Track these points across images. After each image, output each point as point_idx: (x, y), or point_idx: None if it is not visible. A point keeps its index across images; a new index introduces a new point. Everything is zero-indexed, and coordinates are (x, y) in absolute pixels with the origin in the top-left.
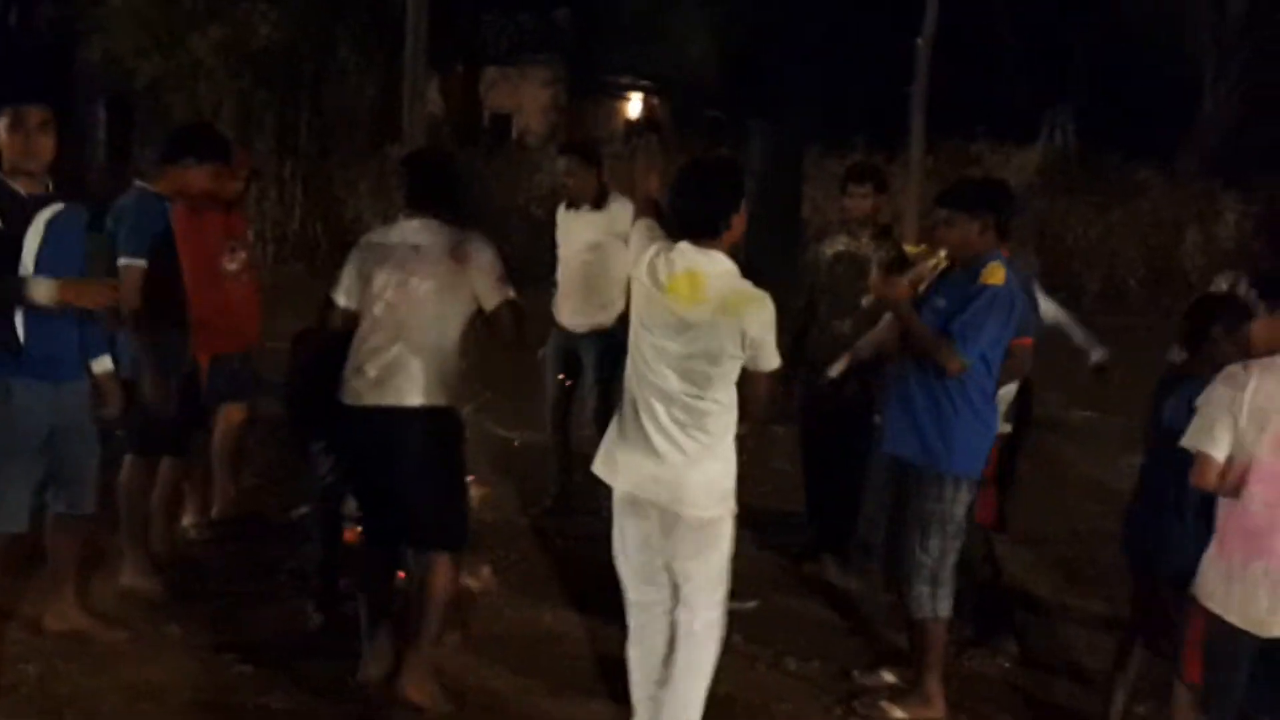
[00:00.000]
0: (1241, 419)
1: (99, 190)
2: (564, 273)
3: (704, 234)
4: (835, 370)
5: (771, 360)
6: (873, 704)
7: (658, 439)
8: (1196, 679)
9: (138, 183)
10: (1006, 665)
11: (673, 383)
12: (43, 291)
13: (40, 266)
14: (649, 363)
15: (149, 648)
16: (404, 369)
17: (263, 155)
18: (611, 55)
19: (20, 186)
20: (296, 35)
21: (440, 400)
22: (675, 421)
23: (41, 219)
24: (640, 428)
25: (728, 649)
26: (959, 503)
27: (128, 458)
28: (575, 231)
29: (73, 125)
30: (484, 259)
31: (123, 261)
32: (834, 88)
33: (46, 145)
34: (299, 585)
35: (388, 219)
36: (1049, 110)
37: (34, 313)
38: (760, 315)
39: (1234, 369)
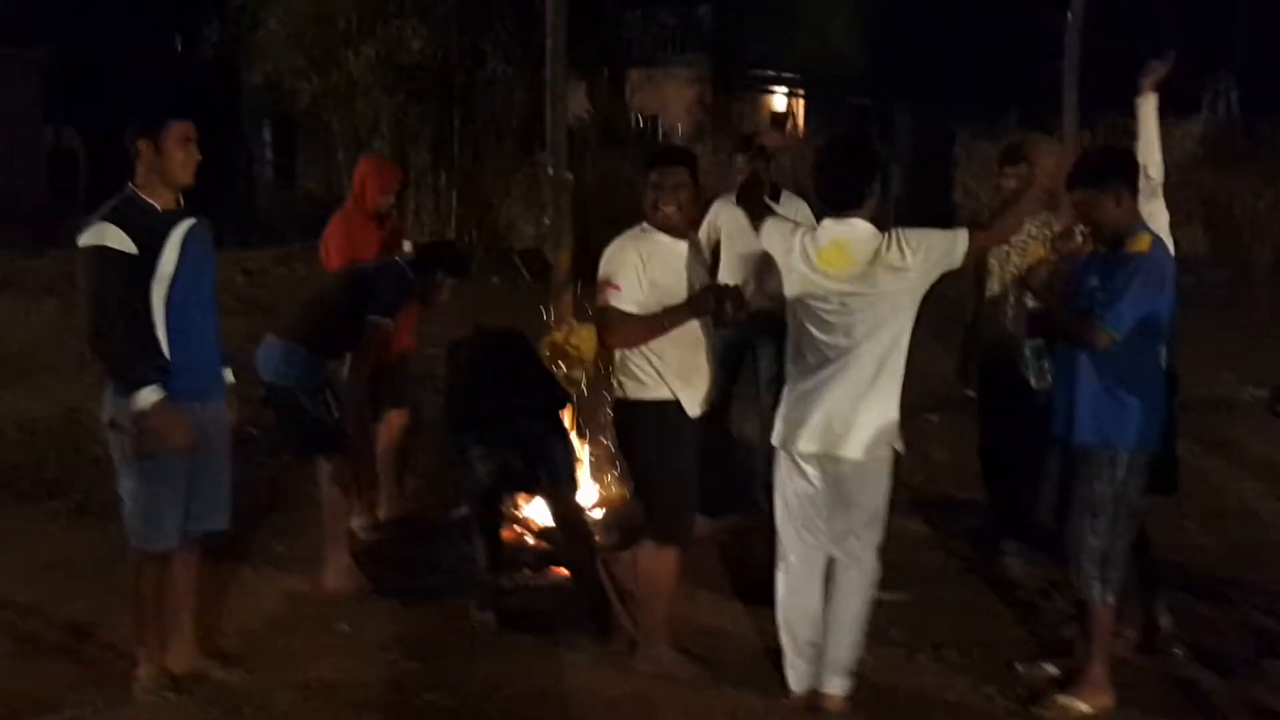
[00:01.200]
0: None
1: (268, 209)
2: None
3: (846, 205)
4: (1035, 382)
5: (953, 236)
6: (1052, 701)
7: (828, 395)
8: None
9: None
10: (1178, 652)
11: (840, 340)
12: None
13: (177, 280)
14: (814, 331)
15: (319, 646)
16: None
17: (419, 168)
18: (754, 49)
19: (156, 201)
20: (446, 48)
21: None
22: (841, 375)
23: (177, 234)
24: (809, 389)
25: (887, 640)
26: (1130, 482)
27: (325, 466)
28: None
29: (240, 147)
30: None
31: (374, 319)
32: (983, 67)
33: (184, 161)
34: (461, 584)
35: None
36: (1210, 79)
37: (179, 332)
38: (901, 235)
39: None
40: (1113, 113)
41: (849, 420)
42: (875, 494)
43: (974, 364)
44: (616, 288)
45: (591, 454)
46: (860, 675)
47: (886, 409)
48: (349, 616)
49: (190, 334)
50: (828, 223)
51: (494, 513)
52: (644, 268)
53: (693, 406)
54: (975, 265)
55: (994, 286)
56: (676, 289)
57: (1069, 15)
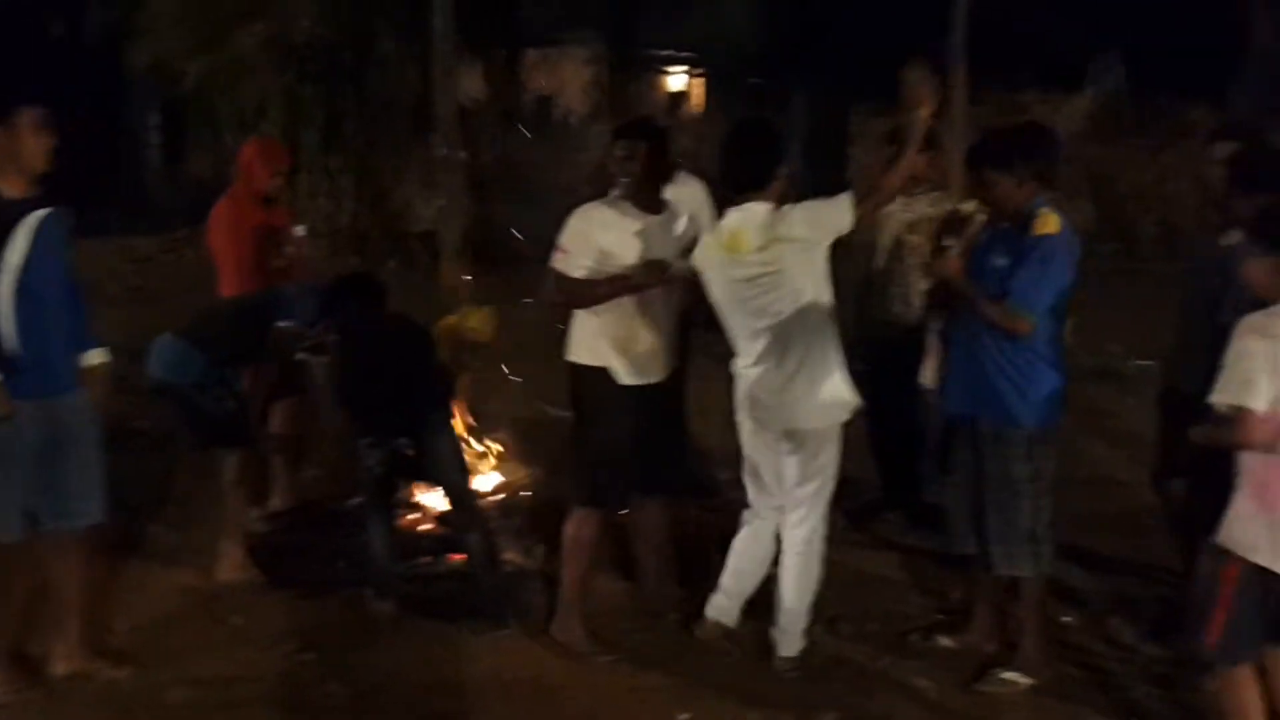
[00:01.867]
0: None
1: (156, 195)
2: None
3: (749, 189)
4: (928, 378)
5: (839, 201)
6: (995, 678)
7: (773, 373)
8: (1216, 639)
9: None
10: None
11: (766, 321)
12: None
13: (28, 271)
14: (741, 317)
15: (213, 640)
16: None
17: (310, 150)
18: (651, 29)
19: (9, 189)
20: (337, 27)
21: None
22: (777, 351)
23: (28, 224)
24: (755, 370)
25: None
26: (1048, 457)
27: (227, 458)
28: None
29: (126, 132)
30: None
31: (282, 326)
32: (876, 45)
33: (37, 148)
34: (358, 573)
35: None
36: (1097, 55)
37: (30, 325)
38: (791, 209)
39: (1258, 320)
40: (1001, 89)
41: (796, 393)
42: (828, 459)
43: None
44: (564, 251)
45: (486, 438)
46: (761, 650)
47: (830, 373)
48: (243, 609)
49: (42, 327)
50: (728, 216)
51: (388, 501)
52: (597, 235)
53: (625, 375)
54: (864, 252)
55: (880, 262)
56: (630, 260)
57: None
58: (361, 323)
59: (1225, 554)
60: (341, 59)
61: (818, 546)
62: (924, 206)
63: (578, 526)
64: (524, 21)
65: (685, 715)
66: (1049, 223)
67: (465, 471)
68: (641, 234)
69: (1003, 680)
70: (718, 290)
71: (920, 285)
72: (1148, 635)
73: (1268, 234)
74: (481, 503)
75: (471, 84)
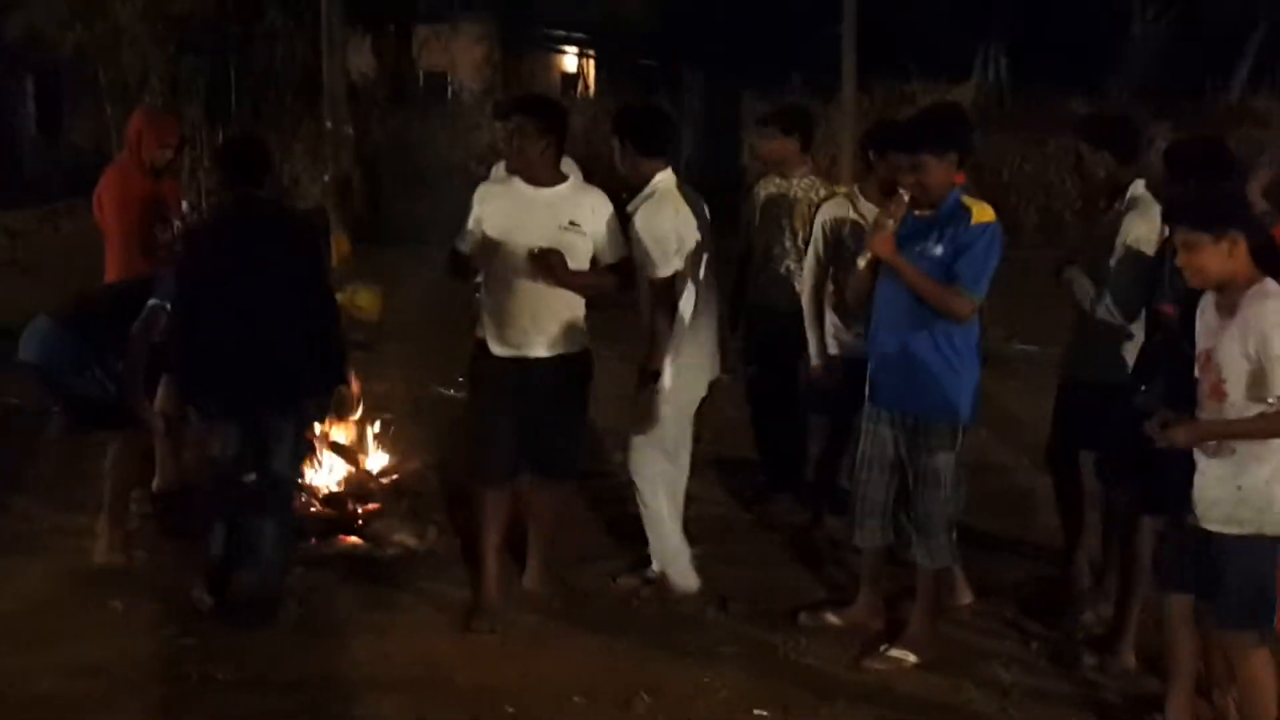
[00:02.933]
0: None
1: (32, 166)
2: None
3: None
4: (816, 358)
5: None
6: (882, 655)
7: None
8: None
9: None
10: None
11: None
12: None
13: None
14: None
15: (90, 625)
16: None
17: (193, 123)
18: (544, 8)
19: None
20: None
21: None
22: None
23: None
24: None
25: (677, 598)
26: (965, 447)
27: (113, 440)
28: None
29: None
30: None
31: (155, 304)
32: (767, 31)
33: None
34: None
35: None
36: (981, 45)
37: None
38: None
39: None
40: (889, 78)
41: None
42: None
43: (741, 330)
44: (462, 226)
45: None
46: (651, 629)
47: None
48: (123, 593)
49: None
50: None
51: (231, 490)
52: (479, 208)
53: (497, 347)
54: (746, 236)
55: (757, 245)
56: (511, 234)
57: None
58: (235, 214)
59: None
60: (227, 30)
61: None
62: (798, 188)
63: (473, 502)
64: None
65: (578, 697)
66: (985, 211)
67: (299, 456)
68: (532, 209)
69: (890, 657)
70: None
71: (797, 270)
72: (1028, 613)
73: (1206, 218)
74: (296, 503)
75: (361, 59)
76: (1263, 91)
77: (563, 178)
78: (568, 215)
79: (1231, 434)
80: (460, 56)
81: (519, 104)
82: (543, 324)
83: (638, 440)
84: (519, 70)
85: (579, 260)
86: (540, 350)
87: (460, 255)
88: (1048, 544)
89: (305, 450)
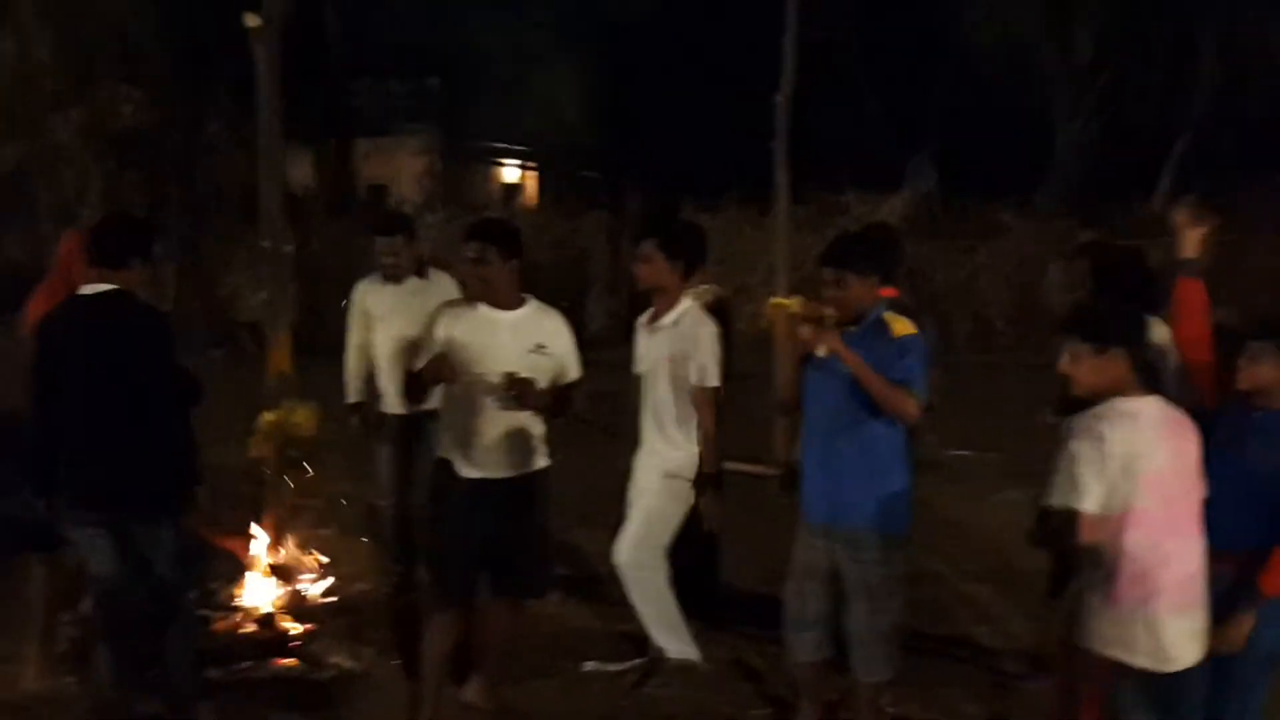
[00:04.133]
0: (1111, 470)
1: None
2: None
3: None
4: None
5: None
6: None
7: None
8: None
9: None
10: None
11: None
12: None
13: None
14: None
15: None
16: None
17: None
18: (484, 121)
19: None
20: (162, 113)
21: None
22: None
23: None
24: None
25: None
26: (901, 560)
27: (36, 563)
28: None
29: None
30: None
31: None
32: (703, 145)
33: None
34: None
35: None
36: (911, 157)
37: None
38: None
39: (1085, 423)
40: (822, 189)
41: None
42: None
43: None
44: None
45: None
46: None
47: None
48: (52, 718)
49: None
50: None
51: (123, 610)
52: (442, 331)
53: (465, 469)
54: None
55: None
56: (482, 359)
57: (778, 98)
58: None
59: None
60: (166, 146)
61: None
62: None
63: (429, 624)
64: (356, 110)
65: None
66: (906, 326)
67: (187, 561)
68: (495, 331)
69: None
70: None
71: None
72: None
73: (1091, 332)
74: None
75: (301, 171)
76: (1186, 199)
77: (523, 300)
78: (534, 338)
79: None
80: (401, 168)
81: (482, 230)
82: (511, 445)
83: (648, 538)
84: (460, 181)
85: (544, 381)
86: (507, 471)
87: (419, 377)
88: (981, 656)
89: (198, 554)
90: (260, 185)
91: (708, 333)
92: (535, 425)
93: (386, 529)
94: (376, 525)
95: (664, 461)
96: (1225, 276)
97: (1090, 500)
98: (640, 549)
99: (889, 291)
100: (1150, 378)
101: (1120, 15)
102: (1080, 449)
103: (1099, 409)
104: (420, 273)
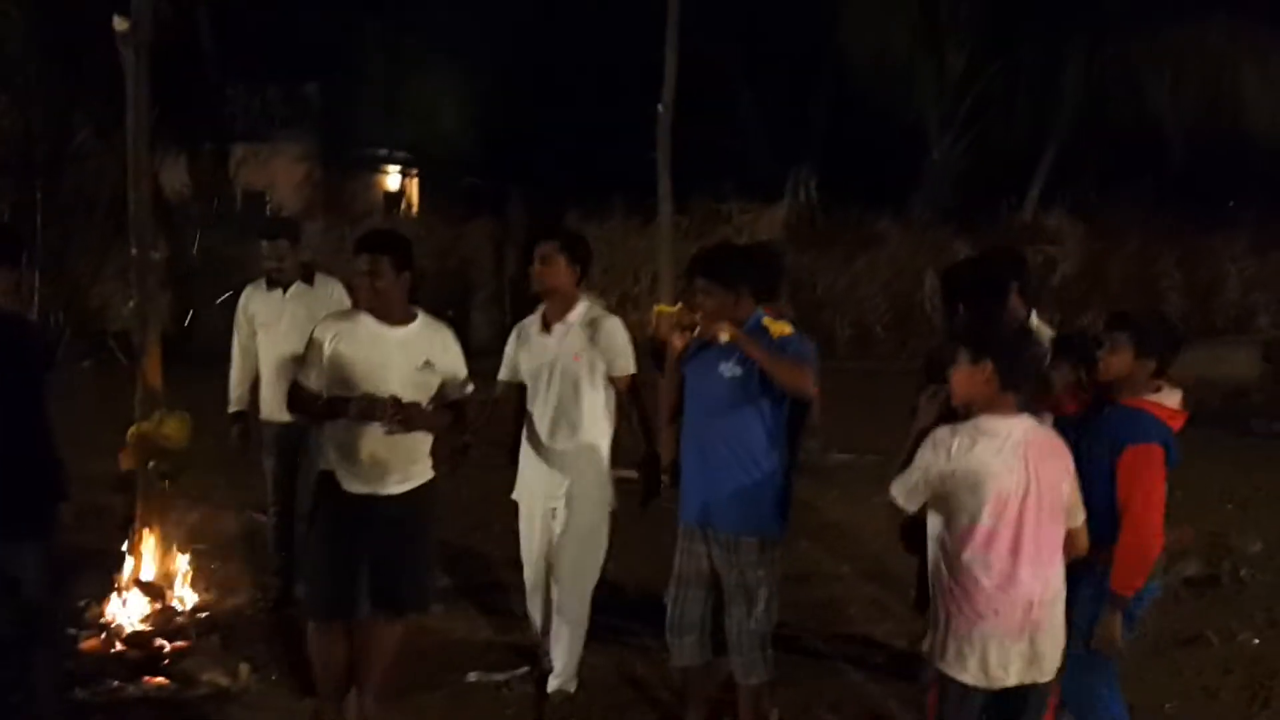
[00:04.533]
0: (953, 484)
1: None
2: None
3: None
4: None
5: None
6: None
7: None
8: None
9: None
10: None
11: None
12: None
13: None
14: None
15: None
16: None
17: None
18: (364, 127)
19: None
20: (29, 119)
21: None
22: None
23: None
24: None
25: None
26: (779, 564)
27: None
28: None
29: None
30: None
31: None
32: (587, 154)
33: None
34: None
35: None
36: (792, 168)
37: None
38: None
39: (943, 433)
40: (704, 197)
41: None
42: None
43: None
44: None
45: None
46: None
47: None
48: None
49: None
50: None
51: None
52: (328, 345)
53: (350, 484)
54: None
55: None
56: (370, 376)
57: (660, 108)
58: None
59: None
60: (33, 152)
61: None
62: None
63: (311, 640)
64: (231, 117)
65: None
66: (783, 326)
67: (55, 580)
68: (380, 346)
69: None
70: None
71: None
72: None
73: (967, 340)
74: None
75: (176, 178)
76: (1054, 210)
77: (413, 315)
78: (422, 354)
79: None
80: (280, 175)
81: (375, 242)
82: (397, 462)
83: (594, 547)
84: (340, 189)
85: (428, 399)
86: (393, 487)
87: (306, 390)
88: (867, 655)
89: (65, 572)
90: (129, 190)
91: (619, 324)
92: (424, 442)
93: (268, 541)
94: (258, 538)
95: (588, 458)
96: (1091, 282)
97: (906, 500)
98: (589, 568)
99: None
100: (1029, 399)
101: (990, 32)
102: (922, 454)
103: (964, 423)
104: (307, 278)
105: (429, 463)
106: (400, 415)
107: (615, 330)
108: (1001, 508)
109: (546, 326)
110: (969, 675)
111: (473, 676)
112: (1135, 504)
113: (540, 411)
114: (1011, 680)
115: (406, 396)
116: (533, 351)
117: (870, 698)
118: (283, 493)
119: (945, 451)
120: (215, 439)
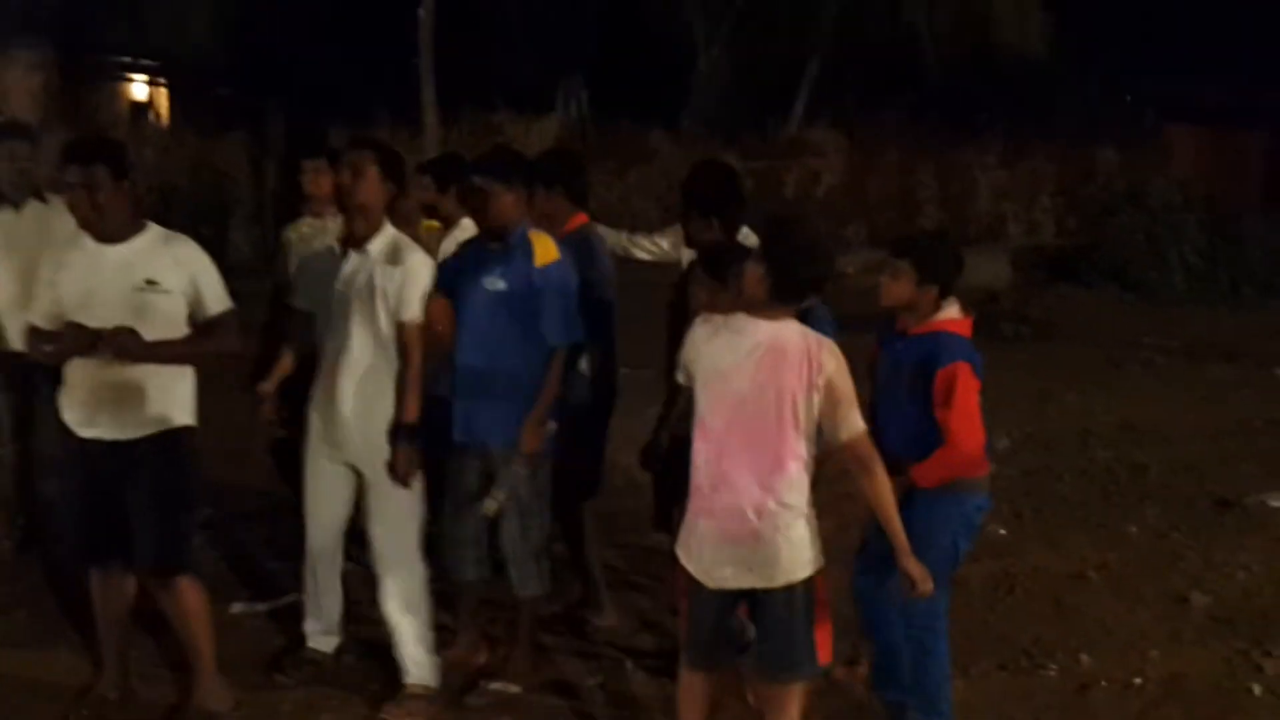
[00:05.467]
0: (697, 373)
1: None
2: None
3: None
4: None
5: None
6: (484, 689)
7: None
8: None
9: None
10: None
11: None
12: None
13: None
14: None
15: None
16: None
17: None
18: (106, 34)
19: None
20: None
21: None
22: None
23: None
24: None
25: None
26: (545, 477)
27: None
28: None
29: None
30: None
31: None
32: (348, 63)
33: None
34: None
35: None
36: (562, 80)
37: None
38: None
39: (700, 321)
40: (469, 106)
41: None
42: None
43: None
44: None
45: None
46: None
47: None
48: None
49: None
50: None
51: None
52: (53, 274)
53: (80, 427)
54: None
55: None
56: (84, 304)
57: (420, 13)
58: None
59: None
60: None
61: None
62: (333, 228)
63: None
64: None
65: None
66: (549, 250)
67: None
68: (98, 271)
69: (491, 690)
70: None
71: None
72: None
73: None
74: None
75: None
76: (818, 123)
77: (139, 229)
78: (143, 273)
79: None
80: (11, 86)
81: (83, 150)
82: (127, 401)
83: (411, 530)
84: (82, 100)
85: (162, 324)
86: (130, 432)
87: (39, 330)
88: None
89: None
90: None
91: (425, 264)
92: (165, 380)
93: (5, 480)
94: None
95: (381, 417)
96: (852, 195)
97: (681, 379)
98: (407, 546)
99: (582, 217)
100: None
101: None
102: (691, 335)
103: (720, 316)
104: (40, 196)
105: (182, 404)
106: (111, 344)
107: (418, 270)
108: (723, 407)
109: (344, 249)
110: (693, 569)
111: (237, 607)
112: (952, 423)
113: (326, 344)
114: (732, 584)
115: (124, 322)
116: (320, 275)
117: (634, 604)
118: (20, 427)
119: (694, 339)
120: None
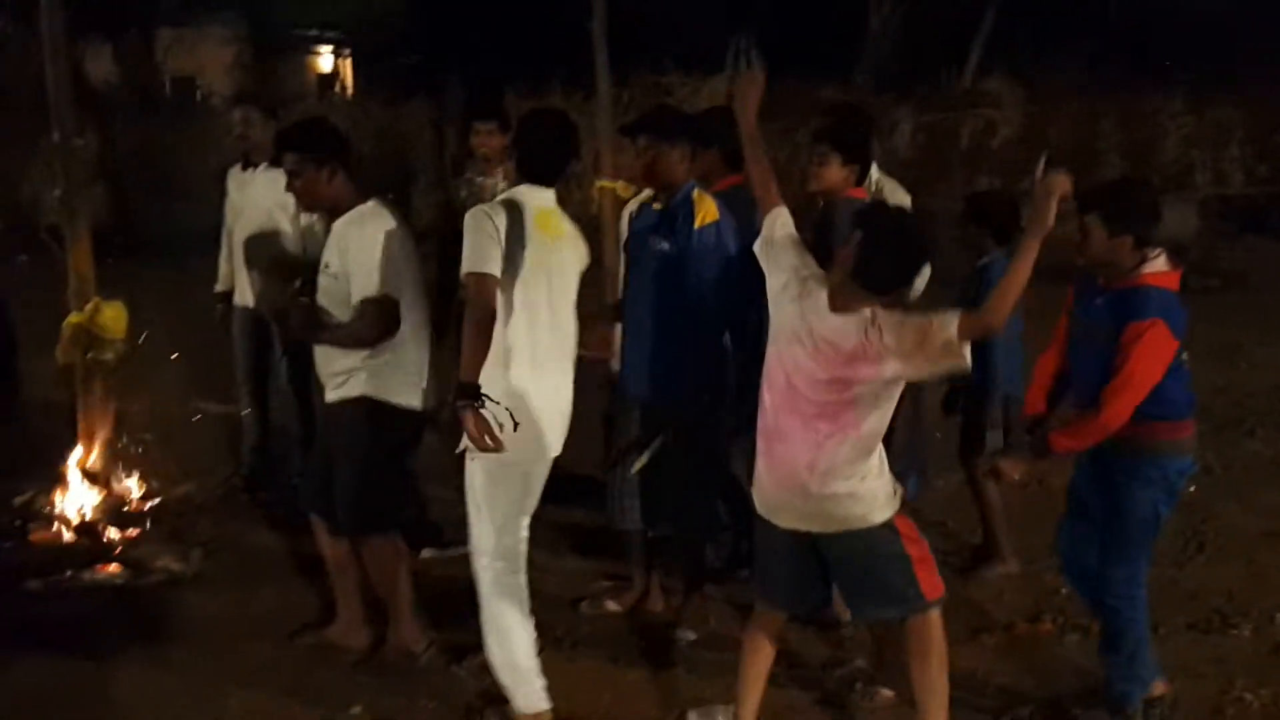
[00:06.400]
0: (770, 279)
1: None
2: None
3: (552, 178)
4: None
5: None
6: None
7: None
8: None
9: None
10: None
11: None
12: None
13: None
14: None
15: None
16: None
17: None
18: (294, 7)
19: None
20: None
21: None
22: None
23: None
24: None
25: None
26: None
27: None
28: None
29: None
30: None
31: None
32: (525, 29)
33: None
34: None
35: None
36: (732, 38)
37: None
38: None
39: (811, 274)
40: (644, 71)
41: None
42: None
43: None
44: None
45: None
46: None
47: None
48: None
49: None
50: (526, 190)
51: None
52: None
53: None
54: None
55: None
56: None
57: None
58: None
59: None
60: None
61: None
62: (492, 186)
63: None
64: (155, 0)
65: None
66: (710, 211)
67: None
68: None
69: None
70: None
71: None
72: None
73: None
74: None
75: (102, 66)
76: (994, 75)
77: (351, 207)
78: (325, 255)
79: None
80: (208, 60)
81: (289, 139)
82: (323, 366)
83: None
84: (272, 72)
85: (336, 306)
86: (329, 393)
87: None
88: None
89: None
90: (47, 75)
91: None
92: (340, 355)
93: (244, 427)
94: (205, 428)
95: None
96: (1028, 146)
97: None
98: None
99: (736, 178)
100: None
101: None
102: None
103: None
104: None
105: (358, 376)
106: (292, 322)
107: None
108: (786, 367)
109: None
110: (760, 509)
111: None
112: (1130, 377)
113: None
114: (785, 525)
115: (320, 301)
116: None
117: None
118: (253, 379)
119: (788, 253)
120: (157, 326)
